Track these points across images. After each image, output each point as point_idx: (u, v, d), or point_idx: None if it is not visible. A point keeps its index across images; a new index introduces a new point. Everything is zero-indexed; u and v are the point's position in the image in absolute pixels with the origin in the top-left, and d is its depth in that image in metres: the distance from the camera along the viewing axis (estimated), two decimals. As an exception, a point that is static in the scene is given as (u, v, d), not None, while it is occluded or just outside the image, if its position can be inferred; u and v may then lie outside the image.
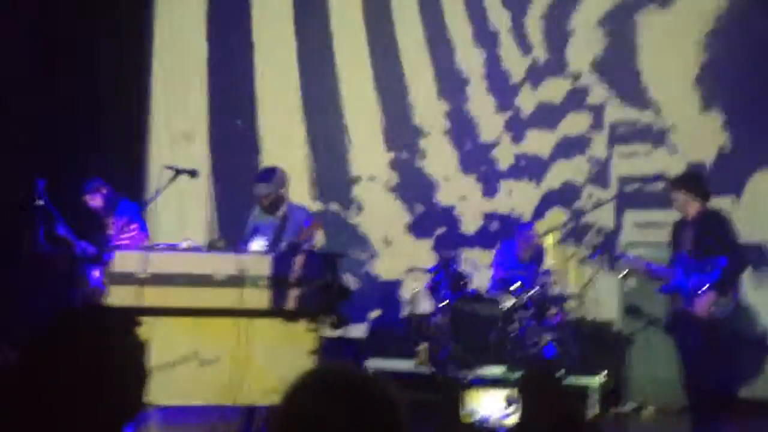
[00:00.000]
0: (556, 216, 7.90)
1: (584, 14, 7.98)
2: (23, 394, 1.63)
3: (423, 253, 8.15)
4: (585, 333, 6.95)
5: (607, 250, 6.54)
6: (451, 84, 8.35)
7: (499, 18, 8.24)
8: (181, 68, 8.67)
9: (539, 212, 8.01)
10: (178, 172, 5.87)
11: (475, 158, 8.28)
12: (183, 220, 8.28)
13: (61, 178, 6.73)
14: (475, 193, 8.26)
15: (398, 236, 8.32)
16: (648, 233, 7.30)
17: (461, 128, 8.33)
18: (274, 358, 5.20)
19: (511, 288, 6.87)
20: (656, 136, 7.72)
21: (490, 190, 8.22)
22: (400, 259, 8.09)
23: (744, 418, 6.31)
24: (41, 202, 6.45)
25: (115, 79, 8.22)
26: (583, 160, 7.99)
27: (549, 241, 7.08)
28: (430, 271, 7.23)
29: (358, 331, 7.53)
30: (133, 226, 6.56)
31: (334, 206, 8.41)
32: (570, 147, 8.01)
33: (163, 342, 4.81)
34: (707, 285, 5.63)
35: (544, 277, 6.94)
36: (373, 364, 6.38)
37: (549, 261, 7.02)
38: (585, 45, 7.96)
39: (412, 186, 8.39)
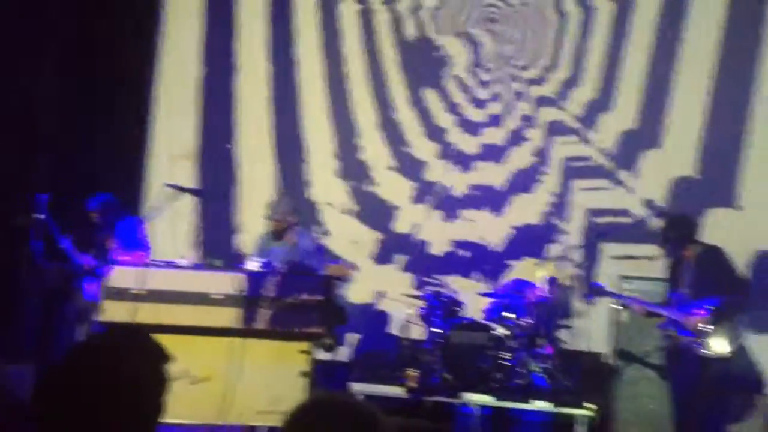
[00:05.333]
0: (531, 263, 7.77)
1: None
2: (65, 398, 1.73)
3: (389, 278, 8.18)
4: (576, 364, 6.97)
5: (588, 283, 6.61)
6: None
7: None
8: (180, 89, 8.76)
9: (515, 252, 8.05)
10: (181, 190, 5.93)
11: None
12: (175, 238, 8.29)
13: (64, 193, 6.78)
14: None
15: (362, 260, 8.31)
16: (623, 266, 7.37)
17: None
18: (266, 378, 5.22)
19: (504, 316, 6.91)
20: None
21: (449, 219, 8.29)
22: (367, 283, 8.05)
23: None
24: (41, 217, 6.47)
25: (118, 97, 8.30)
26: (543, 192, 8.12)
27: (540, 273, 7.08)
28: (424, 297, 7.22)
29: (343, 354, 7.53)
30: (135, 243, 6.57)
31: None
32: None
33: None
34: (706, 308, 5.61)
35: (536, 307, 6.96)
36: (361, 388, 6.35)
37: (544, 290, 7.01)
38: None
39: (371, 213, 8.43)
